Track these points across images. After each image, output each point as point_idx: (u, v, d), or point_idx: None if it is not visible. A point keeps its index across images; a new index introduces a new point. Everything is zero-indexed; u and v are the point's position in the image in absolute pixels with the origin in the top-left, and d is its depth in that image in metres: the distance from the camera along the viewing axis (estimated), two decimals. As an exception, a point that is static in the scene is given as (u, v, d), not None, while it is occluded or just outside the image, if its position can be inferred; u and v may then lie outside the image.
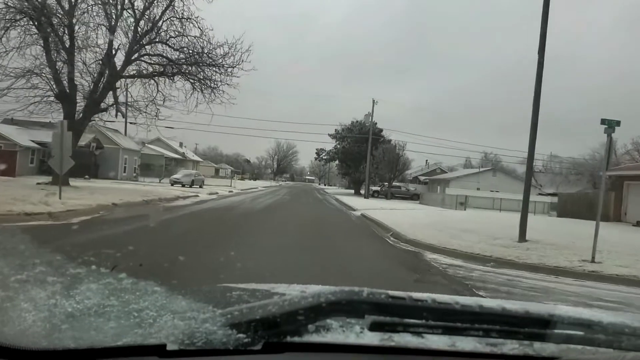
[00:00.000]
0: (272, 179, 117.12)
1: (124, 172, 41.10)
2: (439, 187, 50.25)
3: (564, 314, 1.19)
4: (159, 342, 0.96)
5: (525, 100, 14.24)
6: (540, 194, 51.20)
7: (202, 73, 21.14)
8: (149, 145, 62.94)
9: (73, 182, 21.59)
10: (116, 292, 1.23)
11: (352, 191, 67.49)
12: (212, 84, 20.96)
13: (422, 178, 60.74)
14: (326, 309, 1.05)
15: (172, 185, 37.07)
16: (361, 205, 30.52)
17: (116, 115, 20.50)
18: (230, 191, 37.93)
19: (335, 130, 57.62)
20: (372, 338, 1.08)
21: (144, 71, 21.09)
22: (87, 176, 33.88)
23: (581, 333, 1.14)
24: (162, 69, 20.91)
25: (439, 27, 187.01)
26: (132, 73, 21.13)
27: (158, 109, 20.85)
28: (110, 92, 20.30)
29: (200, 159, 79.53)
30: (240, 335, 0.98)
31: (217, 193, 32.55)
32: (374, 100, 46.32)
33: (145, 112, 20.76)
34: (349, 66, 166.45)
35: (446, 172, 65.67)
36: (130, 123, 50.19)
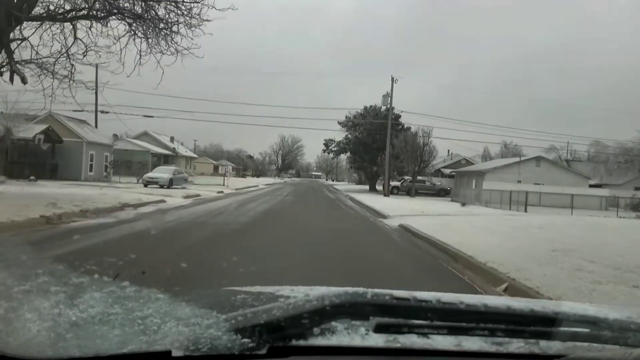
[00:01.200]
0: (277, 176, 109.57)
1: (90, 171, 33.43)
2: (474, 181, 42.31)
3: (569, 311, 1.19)
4: (164, 348, 0.96)
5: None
6: (591, 185, 43.14)
7: (151, 11, 13.31)
8: (133, 140, 55.44)
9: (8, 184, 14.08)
10: (120, 300, 1.20)
11: (366, 187, 59.54)
12: (166, 27, 13.13)
13: (446, 171, 52.70)
14: (331, 312, 1.05)
15: (145, 186, 29.40)
16: (388, 207, 22.73)
17: (11, 80, 12.65)
18: (219, 192, 30.24)
19: (346, 117, 49.76)
20: (378, 340, 1.08)
21: (58, 10, 13.30)
22: (32, 177, 26.28)
23: (587, 330, 1.13)
24: (85, 5, 13.11)
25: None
26: (39, 13, 13.36)
27: (73, 65, 13.08)
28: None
29: (195, 155, 71.82)
30: (245, 339, 0.97)
31: (198, 195, 24.85)
32: (393, 79, 38.42)
33: (54, 73, 12.96)
34: (357, 56, 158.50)
35: (473, 164, 57.56)
36: (102, 112, 42.80)
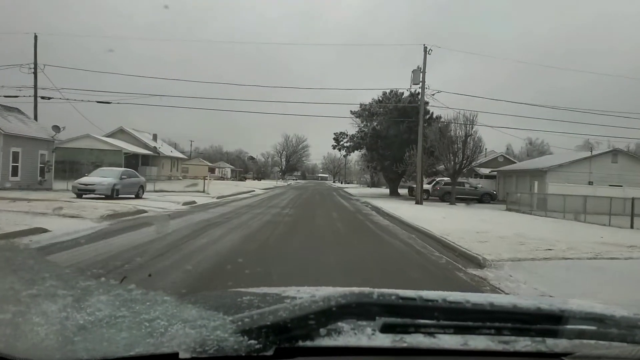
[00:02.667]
0: (281, 178, 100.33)
1: (14, 174, 24.15)
2: (530, 182, 32.81)
3: (575, 309, 1.19)
4: (171, 350, 0.96)
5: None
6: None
7: None
8: (104, 138, 46.24)
9: None
10: (127, 302, 1.20)
11: (384, 191, 49.99)
12: None
13: (483, 170, 43.07)
14: (337, 312, 1.05)
15: (79, 196, 20.17)
16: (454, 229, 13.40)
17: None
18: (188, 203, 20.95)
19: (361, 105, 40.23)
20: (384, 340, 1.07)
21: None
22: None
23: (594, 328, 1.13)
24: None
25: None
26: None
27: None
28: None
29: (182, 156, 62.49)
30: (252, 341, 0.98)
31: (140, 212, 15.52)
32: (426, 49, 28.97)
33: None
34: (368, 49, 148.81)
35: (514, 162, 47.88)
36: (42, 97, 33.59)
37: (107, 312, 1.14)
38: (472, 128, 30.28)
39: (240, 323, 1.02)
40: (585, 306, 1.28)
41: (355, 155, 59.11)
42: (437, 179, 36.99)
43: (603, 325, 1.14)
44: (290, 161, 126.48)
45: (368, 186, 74.83)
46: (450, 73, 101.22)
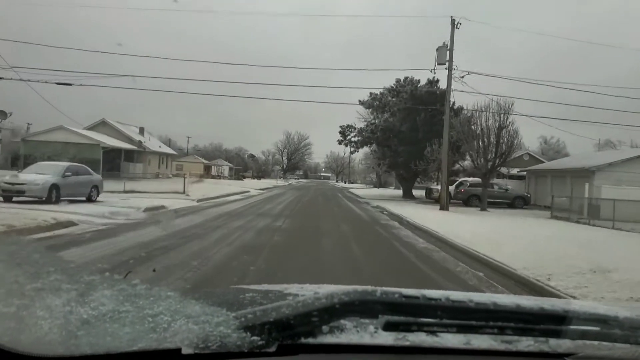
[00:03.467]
0: (282, 177, 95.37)
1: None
2: (569, 184, 27.81)
3: (579, 309, 1.20)
4: (174, 346, 0.96)
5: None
6: None
7: None
8: (82, 131, 41.21)
9: None
10: (130, 297, 1.21)
11: (393, 192, 44.85)
12: None
13: (509, 170, 37.83)
14: (340, 310, 1.05)
15: (6, 199, 15.18)
16: (511, 250, 8.44)
17: None
18: (154, 209, 15.95)
19: (371, 94, 35.06)
20: (387, 338, 1.07)
21: None
22: None
23: (597, 328, 1.13)
24: None
25: None
26: None
27: None
28: None
29: (172, 152, 57.36)
30: (255, 337, 0.98)
31: (70, 225, 10.50)
32: (453, 22, 23.85)
33: None
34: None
35: (542, 161, 42.68)
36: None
37: (111, 306, 1.13)
38: (507, 119, 25.16)
39: (243, 319, 1.02)
40: (589, 307, 1.26)
41: (360, 154, 53.94)
42: (460, 180, 31.88)
43: (606, 326, 1.14)
44: (292, 159, 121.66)
45: (374, 186, 69.71)
46: (475, 56, 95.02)
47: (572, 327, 1.11)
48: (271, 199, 27.58)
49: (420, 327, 1.08)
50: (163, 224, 12.04)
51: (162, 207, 17.12)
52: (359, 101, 35.31)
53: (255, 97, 75.96)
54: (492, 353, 1.09)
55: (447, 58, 24.06)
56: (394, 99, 34.46)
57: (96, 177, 18.11)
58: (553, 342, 1.11)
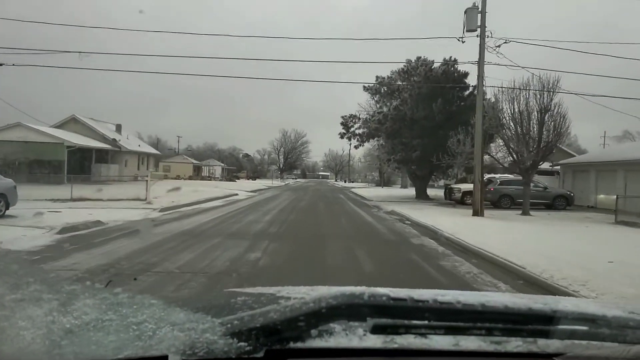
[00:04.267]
0: (279, 177, 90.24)
1: None
2: (623, 179, 22.87)
3: (567, 309, 1.19)
4: (160, 353, 0.95)
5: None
6: None
7: None
8: (47, 130, 35.86)
9: None
10: (113, 306, 1.19)
11: (403, 191, 39.67)
12: None
13: (540, 165, 32.53)
14: (327, 314, 1.04)
15: None
16: None
17: None
18: (72, 227, 10.76)
19: (377, 78, 29.84)
20: (375, 341, 1.07)
21: None
22: None
23: (585, 328, 1.13)
24: None
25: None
26: None
27: None
28: None
29: (155, 151, 51.94)
30: (242, 343, 0.97)
31: None
32: (484, -25, 18.63)
33: None
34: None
35: (572, 154, 37.55)
36: None
37: (94, 315, 1.12)
38: (551, 99, 19.96)
39: (229, 325, 1.01)
40: (577, 306, 1.27)
41: (360, 151, 48.63)
42: (487, 177, 26.79)
43: (594, 326, 1.14)
44: (289, 158, 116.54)
45: (377, 185, 64.53)
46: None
47: (560, 327, 1.10)
48: (259, 205, 22.38)
49: (408, 330, 1.07)
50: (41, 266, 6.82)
51: (98, 223, 11.97)
52: (364, 87, 30.10)
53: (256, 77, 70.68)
54: (480, 354, 1.09)
55: (479, 23, 18.85)
56: (404, 83, 29.26)
57: (4, 182, 12.85)
58: (542, 342, 1.11)
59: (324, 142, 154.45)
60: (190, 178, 64.51)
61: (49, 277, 1.42)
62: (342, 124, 30.70)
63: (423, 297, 1.12)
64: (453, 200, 26.98)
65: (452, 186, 27.80)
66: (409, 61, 29.43)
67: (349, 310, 1.06)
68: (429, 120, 27.04)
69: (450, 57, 28.30)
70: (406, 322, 1.07)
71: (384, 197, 31.13)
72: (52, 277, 1.46)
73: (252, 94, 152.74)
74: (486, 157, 22.74)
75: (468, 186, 27.43)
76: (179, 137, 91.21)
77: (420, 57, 29.21)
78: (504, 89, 19.76)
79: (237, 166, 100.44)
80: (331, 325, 1.08)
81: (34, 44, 53.82)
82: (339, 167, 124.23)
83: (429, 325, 1.07)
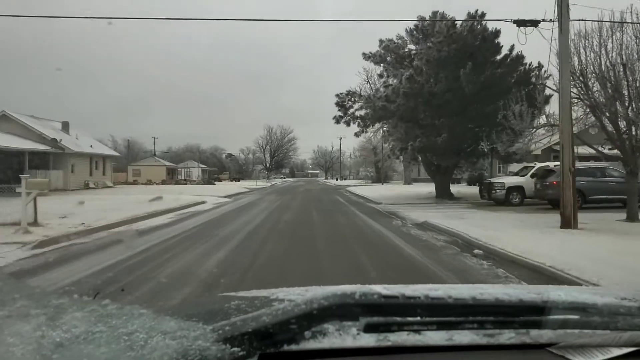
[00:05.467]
0: (266, 177, 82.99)
1: None
2: None
3: (557, 298, 1.20)
4: None
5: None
6: None
7: None
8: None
9: None
10: (103, 318, 1.17)
11: (412, 189, 32.60)
12: None
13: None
14: (319, 315, 1.04)
15: None
16: None
17: None
18: None
19: (381, 43, 22.63)
20: (368, 339, 1.06)
21: None
22: None
23: (577, 317, 1.14)
24: None
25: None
26: None
27: None
28: None
29: (114, 153, 44.09)
30: (235, 348, 0.96)
31: None
32: None
33: None
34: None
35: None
36: None
37: (84, 328, 1.10)
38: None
39: (221, 331, 1.00)
40: (567, 295, 1.27)
41: (352, 145, 41.11)
42: (538, 165, 19.76)
43: (586, 314, 1.14)
44: (276, 157, 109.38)
45: (374, 182, 57.42)
46: None
47: (552, 317, 1.11)
48: (225, 220, 15.09)
49: (401, 327, 1.07)
50: None
51: None
52: (364, 55, 22.86)
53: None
54: (474, 348, 1.08)
55: None
56: (417, 47, 22.12)
57: None
58: (534, 333, 1.10)
59: (311, 139, 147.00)
60: (163, 182, 56.91)
61: (35, 292, 1.35)
62: (337, 104, 23.26)
63: (415, 294, 1.11)
64: (493, 199, 19.95)
65: (493, 181, 20.68)
66: (421, 18, 22.24)
67: (341, 310, 1.06)
68: (456, 94, 19.91)
69: (477, 10, 21.29)
70: (399, 319, 1.08)
71: (393, 198, 24.02)
72: (38, 292, 1.36)
73: (238, 92, 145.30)
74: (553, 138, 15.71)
75: (513, 180, 20.38)
76: (154, 138, 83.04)
77: (437, 12, 22.08)
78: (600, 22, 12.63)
79: (219, 167, 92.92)
80: (324, 326, 1.06)
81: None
82: (329, 164, 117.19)
83: (421, 322, 1.07)
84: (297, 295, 1.30)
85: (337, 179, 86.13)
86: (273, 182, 70.30)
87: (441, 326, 1.09)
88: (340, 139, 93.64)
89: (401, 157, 23.50)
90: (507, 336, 1.10)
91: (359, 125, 23.43)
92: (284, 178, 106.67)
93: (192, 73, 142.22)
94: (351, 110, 23.22)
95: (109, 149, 40.58)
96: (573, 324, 1.13)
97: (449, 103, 20.21)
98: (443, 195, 23.35)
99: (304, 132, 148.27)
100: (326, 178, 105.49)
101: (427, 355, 1.07)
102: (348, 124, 23.39)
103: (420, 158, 23.81)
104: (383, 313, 1.08)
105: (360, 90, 22.94)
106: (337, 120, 23.40)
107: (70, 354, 0.98)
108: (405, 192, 29.67)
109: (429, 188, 27.29)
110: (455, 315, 1.09)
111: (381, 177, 54.79)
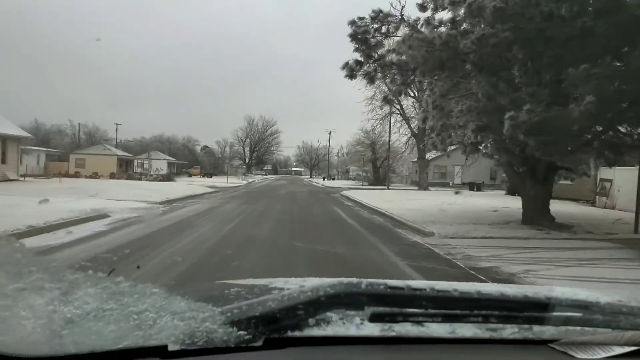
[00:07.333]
0: (244, 174, 72.07)
1: None
2: None
3: (561, 296, 1.20)
4: (160, 343, 0.95)
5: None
6: None
7: None
8: None
9: None
10: (114, 295, 1.17)
11: (472, 202, 21.83)
12: None
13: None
14: (325, 302, 1.05)
15: None
16: None
17: None
18: None
19: None
20: (373, 329, 1.07)
21: None
22: None
23: (579, 314, 1.14)
24: None
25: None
26: None
27: None
28: None
29: (27, 134, 32.13)
30: (241, 332, 0.97)
31: None
32: None
33: None
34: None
35: None
36: None
37: (95, 305, 1.10)
38: None
39: (229, 314, 1.01)
40: (571, 293, 1.24)
41: (340, 141, 30.33)
42: None
43: (588, 312, 1.14)
44: (257, 151, 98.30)
45: (372, 184, 46.77)
46: None
47: (555, 313, 1.11)
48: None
49: (405, 318, 1.07)
50: None
51: None
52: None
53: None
54: (477, 341, 1.08)
55: None
56: None
57: None
58: (537, 329, 1.11)
59: (296, 135, 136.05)
60: (111, 176, 45.64)
61: (51, 266, 1.35)
62: (354, 37, 11.63)
63: (420, 287, 1.11)
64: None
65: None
66: None
67: (347, 299, 1.06)
68: (609, 19, 9.29)
69: None
70: (403, 310, 1.07)
71: (443, 221, 13.32)
72: (55, 266, 1.36)
73: (220, 81, 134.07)
74: None
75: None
76: (117, 124, 70.80)
77: None
78: None
79: (190, 161, 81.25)
80: (329, 314, 1.06)
81: None
82: (315, 161, 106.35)
83: (426, 314, 1.07)
84: (295, 285, 1.28)
85: (324, 179, 75.30)
86: (251, 180, 59.24)
87: (445, 319, 1.08)
88: (330, 132, 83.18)
89: (467, 149, 12.36)
90: (510, 331, 1.10)
91: (392, 81, 12.50)
92: (265, 175, 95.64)
93: (174, 63, 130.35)
94: (379, 52, 12.16)
95: (16, 127, 29.17)
96: (576, 321, 1.12)
97: (591, 36, 9.54)
98: (539, 217, 12.65)
99: (288, 126, 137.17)
100: (311, 177, 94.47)
101: (430, 347, 1.06)
102: (372, 80, 12.37)
103: (496, 154, 12.94)
104: (388, 304, 1.07)
105: (398, 10, 11.78)
106: (351, 74, 12.29)
107: (80, 330, 0.97)
108: (447, 207, 18.85)
109: (474, 199, 16.69)
110: (460, 308, 1.08)
111: (386, 178, 44.01)
